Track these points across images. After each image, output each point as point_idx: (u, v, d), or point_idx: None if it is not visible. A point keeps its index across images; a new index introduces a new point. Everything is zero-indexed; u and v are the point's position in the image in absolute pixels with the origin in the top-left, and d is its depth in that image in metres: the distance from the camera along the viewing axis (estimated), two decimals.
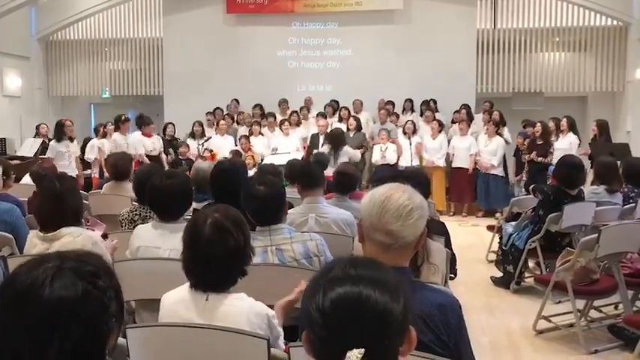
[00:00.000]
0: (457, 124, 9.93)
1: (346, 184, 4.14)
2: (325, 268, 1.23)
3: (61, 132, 8.20)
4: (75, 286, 1.13)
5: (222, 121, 10.20)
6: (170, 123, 10.23)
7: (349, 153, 8.48)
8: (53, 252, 1.24)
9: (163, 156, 9.11)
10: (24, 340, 1.09)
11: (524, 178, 8.79)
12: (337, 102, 11.19)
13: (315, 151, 8.51)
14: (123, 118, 8.83)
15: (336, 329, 1.11)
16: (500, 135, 9.37)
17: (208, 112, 10.98)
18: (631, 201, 5.29)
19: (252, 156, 9.13)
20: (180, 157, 9.38)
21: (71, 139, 8.31)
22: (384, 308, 1.12)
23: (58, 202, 2.95)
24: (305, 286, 1.25)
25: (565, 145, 8.56)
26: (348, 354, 1.06)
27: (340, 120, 10.32)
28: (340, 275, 1.17)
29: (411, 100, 11.09)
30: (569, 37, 11.76)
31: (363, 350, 1.06)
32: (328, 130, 9.49)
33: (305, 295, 1.19)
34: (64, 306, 1.11)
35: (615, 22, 11.38)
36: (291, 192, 4.53)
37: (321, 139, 9.39)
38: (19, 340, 1.09)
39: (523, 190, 8.38)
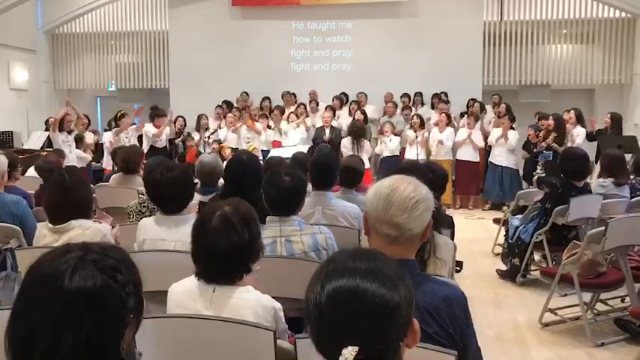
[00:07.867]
0: (465, 117, 9.87)
1: (352, 179, 4.14)
2: (327, 261, 1.21)
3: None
4: (94, 279, 1.14)
5: (229, 115, 10.05)
6: (180, 116, 10.13)
7: (366, 148, 8.49)
8: (79, 242, 1.24)
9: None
10: (41, 327, 1.10)
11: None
12: (346, 95, 11.16)
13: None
14: (118, 115, 8.76)
15: (333, 324, 1.08)
16: (513, 128, 9.32)
17: (218, 106, 10.83)
18: (638, 193, 5.27)
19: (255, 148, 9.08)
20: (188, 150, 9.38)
21: (70, 132, 8.25)
22: (383, 301, 1.09)
23: (67, 194, 2.96)
24: None
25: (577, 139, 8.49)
26: (343, 352, 1.04)
27: (350, 113, 10.28)
28: (338, 268, 1.14)
29: (420, 94, 11.03)
30: (576, 29, 11.67)
31: (357, 348, 1.04)
32: (333, 123, 9.52)
33: (306, 289, 1.17)
34: (81, 297, 1.12)
35: (623, 14, 11.30)
36: None
37: (327, 131, 9.40)
38: (37, 326, 1.11)
39: (529, 184, 8.26)
